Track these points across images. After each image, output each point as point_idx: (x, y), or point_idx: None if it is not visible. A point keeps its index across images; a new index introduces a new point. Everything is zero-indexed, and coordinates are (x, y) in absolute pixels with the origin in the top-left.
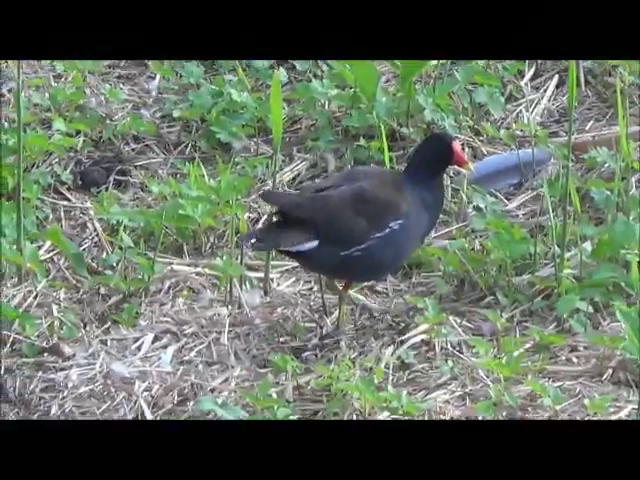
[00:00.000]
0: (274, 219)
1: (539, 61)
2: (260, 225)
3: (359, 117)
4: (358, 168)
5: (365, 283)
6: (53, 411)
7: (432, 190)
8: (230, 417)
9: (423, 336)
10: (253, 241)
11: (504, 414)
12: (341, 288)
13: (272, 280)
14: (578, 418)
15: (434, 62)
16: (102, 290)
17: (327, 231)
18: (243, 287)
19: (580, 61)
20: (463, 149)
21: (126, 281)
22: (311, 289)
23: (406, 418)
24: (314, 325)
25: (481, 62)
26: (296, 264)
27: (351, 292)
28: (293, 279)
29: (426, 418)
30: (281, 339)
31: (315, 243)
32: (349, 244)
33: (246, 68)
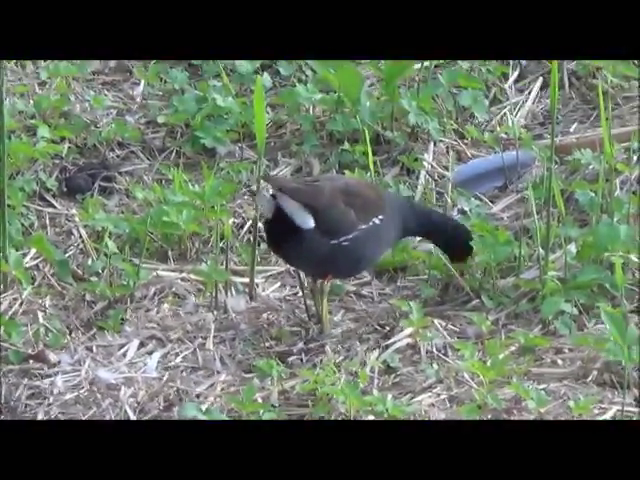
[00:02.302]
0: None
1: (523, 63)
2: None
3: (343, 121)
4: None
5: (345, 282)
6: (39, 417)
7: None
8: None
9: (408, 340)
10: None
11: (489, 417)
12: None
13: (257, 285)
14: (563, 419)
15: (417, 65)
16: (87, 297)
17: (323, 218)
18: (228, 292)
19: (564, 63)
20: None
21: (111, 287)
22: (296, 294)
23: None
24: (299, 330)
25: (465, 65)
26: (281, 269)
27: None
28: (278, 284)
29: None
30: (266, 344)
31: (312, 225)
32: (339, 234)
33: (230, 73)
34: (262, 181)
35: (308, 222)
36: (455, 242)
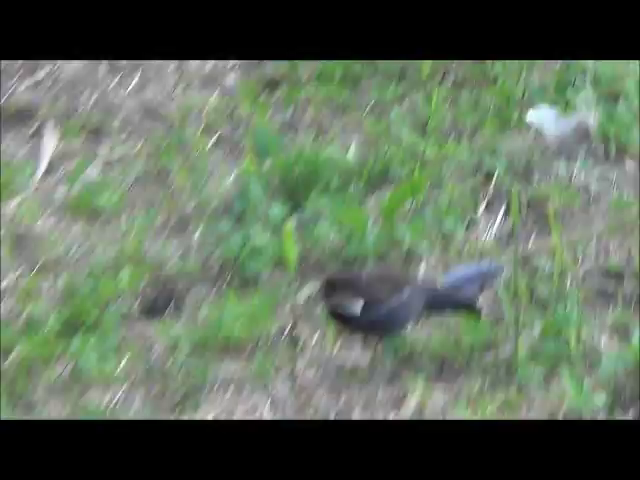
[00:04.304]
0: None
1: (489, 195)
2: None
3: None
4: None
5: None
6: None
7: None
8: None
9: (416, 403)
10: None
11: None
12: None
13: None
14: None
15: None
16: (169, 388)
17: (369, 296)
18: None
19: (522, 195)
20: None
21: (187, 380)
22: (324, 379)
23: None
24: None
25: (445, 203)
26: None
27: None
28: (314, 371)
29: None
30: (308, 417)
31: (359, 307)
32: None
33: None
34: None
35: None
36: None
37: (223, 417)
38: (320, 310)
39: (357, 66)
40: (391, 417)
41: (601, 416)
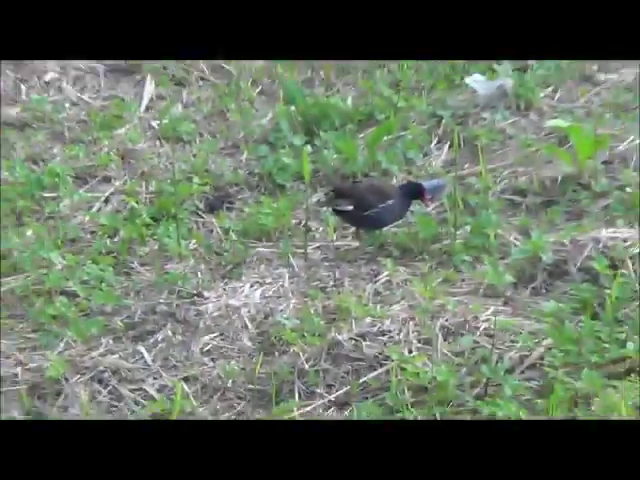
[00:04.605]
0: (332, 195)
1: (439, 135)
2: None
3: (349, 168)
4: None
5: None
6: (201, 325)
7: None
8: (289, 324)
9: (387, 278)
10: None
11: (429, 315)
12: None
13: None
14: (466, 315)
15: (385, 137)
16: (222, 262)
17: (358, 201)
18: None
19: (460, 135)
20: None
21: (234, 257)
22: (326, 258)
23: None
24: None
25: (410, 137)
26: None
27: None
28: (319, 252)
29: (389, 320)
30: (314, 283)
31: (351, 207)
32: (368, 209)
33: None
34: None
35: (349, 205)
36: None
37: (257, 284)
38: (325, 210)
39: None
40: (369, 287)
41: (509, 291)
